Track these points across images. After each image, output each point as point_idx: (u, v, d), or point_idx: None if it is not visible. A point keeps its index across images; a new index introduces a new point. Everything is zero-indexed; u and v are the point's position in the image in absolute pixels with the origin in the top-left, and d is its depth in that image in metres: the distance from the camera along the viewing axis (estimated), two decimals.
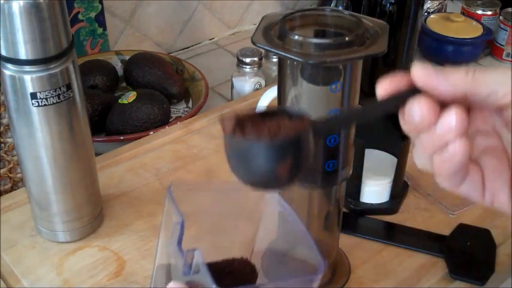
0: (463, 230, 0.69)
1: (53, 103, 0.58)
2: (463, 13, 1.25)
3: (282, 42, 0.47)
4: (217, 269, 0.48)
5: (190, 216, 0.43)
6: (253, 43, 0.47)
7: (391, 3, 0.86)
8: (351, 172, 0.56)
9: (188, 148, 0.83)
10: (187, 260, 0.41)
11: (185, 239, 0.42)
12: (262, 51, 1.02)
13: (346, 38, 0.46)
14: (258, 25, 0.50)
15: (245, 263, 0.52)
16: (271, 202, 0.49)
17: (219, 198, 0.51)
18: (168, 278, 0.45)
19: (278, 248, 0.54)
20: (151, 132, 0.86)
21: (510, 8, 1.22)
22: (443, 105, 0.36)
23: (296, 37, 0.46)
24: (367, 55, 0.46)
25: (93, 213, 0.68)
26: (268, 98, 0.78)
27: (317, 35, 0.51)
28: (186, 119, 0.89)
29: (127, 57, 1.05)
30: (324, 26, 0.52)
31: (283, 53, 0.46)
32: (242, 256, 0.52)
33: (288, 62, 0.50)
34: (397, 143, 0.71)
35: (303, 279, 0.42)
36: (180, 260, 0.41)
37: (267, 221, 0.51)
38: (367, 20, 0.49)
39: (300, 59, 0.46)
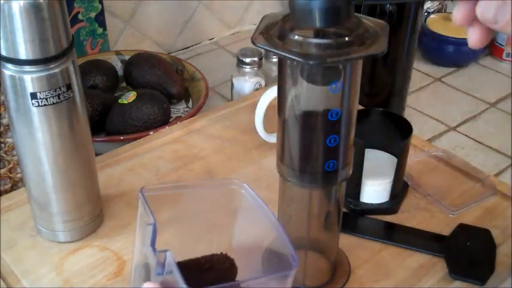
0: (463, 230, 0.69)
1: (53, 103, 0.58)
2: None
3: (282, 42, 0.47)
4: (196, 266, 0.49)
5: (167, 215, 0.45)
6: (253, 43, 0.47)
7: (391, 4, 0.86)
8: (350, 172, 0.56)
9: (188, 148, 0.83)
10: (160, 260, 0.42)
11: (163, 238, 0.43)
12: (262, 51, 1.02)
13: (346, 38, 0.46)
14: (258, 25, 0.50)
15: (224, 258, 0.52)
16: (246, 197, 0.50)
17: (195, 196, 0.51)
18: (148, 277, 0.45)
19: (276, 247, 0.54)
20: (151, 132, 0.86)
21: None
22: None
23: (296, 37, 0.46)
24: (367, 55, 0.46)
25: (93, 213, 0.68)
26: (268, 98, 0.78)
27: (317, 35, 0.51)
28: (186, 119, 0.90)
29: (127, 57, 1.05)
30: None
31: (283, 53, 0.46)
32: (221, 251, 0.52)
33: (288, 62, 0.50)
34: (397, 143, 0.71)
35: (278, 276, 0.43)
36: (153, 261, 0.42)
37: (243, 215, 0.52)
38: (367, 20, 0.49)
39: (300, 59, 0.46)
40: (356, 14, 0.50)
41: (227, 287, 0.46)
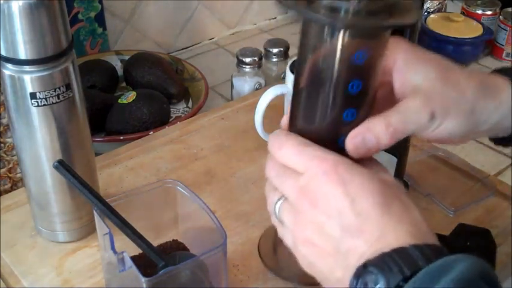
0: (463, 230, 0.69)
1: (53, 103, 0.58)
2: (463, 13, 1.25)
3: (309, 5, 0.45)
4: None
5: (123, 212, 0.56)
6: (279, 1, 0.45)
7: None
8: None
9: (188, 148, 0.83)
10: (119, 259, 0.51)
11: (120, 239, 0.54)
12: (262, 51, 1.02)
13: (378, 5, 0.45)
14: None
15: (177, 243, 0.62)
16: (181, 191, 0.60)
17: (140, 200, 0.60)
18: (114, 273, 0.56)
19: None
20: (151, 132, 0.86)
21: (510, 8, 1.22)
22: None
23: (324, 1, 0.44)
24: (397, 24, 0.45)
25: (93, 213, 0.68)
26: (268, 98, 0.77)
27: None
28: (185, 119, 0.89)
29: (127, 57, 1.05)
30: None
31: (310, 14, 0.44)
32: (173, 238, 0.63)
33: (313, 25, 0.47)
34: (397, 143, 0.71)
35: (210, 252, 0.53)
36: (115, 261, 0.52)
37: (182, 206, 0.61)
38: None
39: (327, 21, 0.43)
40: None
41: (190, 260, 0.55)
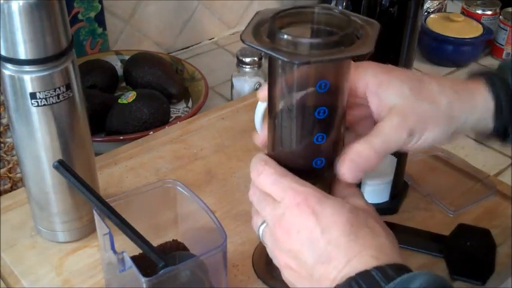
0: (463, 230, 0.69)
1: (53, 103, 0.58)
2: (463, 13, 1.25)
3: (271, 41, 0.47)
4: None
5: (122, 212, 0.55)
6: (242, 40, 0.47)
7: (391, 3, 0.86)
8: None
9: (188, 148, 0.83)
10: (119, 259, 0.51)
11: (120, 239, 0.54)
12: None
13: (334, 38, 0.46)
14: (250, 21, 0.49)
15: (176, 243, 0.63)
16: (181, 191, 0.60)
17: (140, 200, 0.60)
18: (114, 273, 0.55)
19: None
20: (151, 132, 0.86)
21: (510, 8, 1.22)
22: None
23: (285, 36, 0.46)
24: (352, 56, 0.46)
25: (93, 213, 0.68)
26: None
27: (309, 33, 0.51)
28: (185, 119, 0.89)
29: (127, 57, 1.05)
30: (315, 24, 0.51)
31: (269, 52, 0.46)
32: (173, 238, 0.63)
33: (277, 63, 0.49)
34: None
35: (210, 252, 0.53)
36: (115, 261, 0.52)
37: (181, 206, 0.61)
38: (359, 19, 0.49)
39: (285, 59, 0.45)
40: (347, 12, 0.49)
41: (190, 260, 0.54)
